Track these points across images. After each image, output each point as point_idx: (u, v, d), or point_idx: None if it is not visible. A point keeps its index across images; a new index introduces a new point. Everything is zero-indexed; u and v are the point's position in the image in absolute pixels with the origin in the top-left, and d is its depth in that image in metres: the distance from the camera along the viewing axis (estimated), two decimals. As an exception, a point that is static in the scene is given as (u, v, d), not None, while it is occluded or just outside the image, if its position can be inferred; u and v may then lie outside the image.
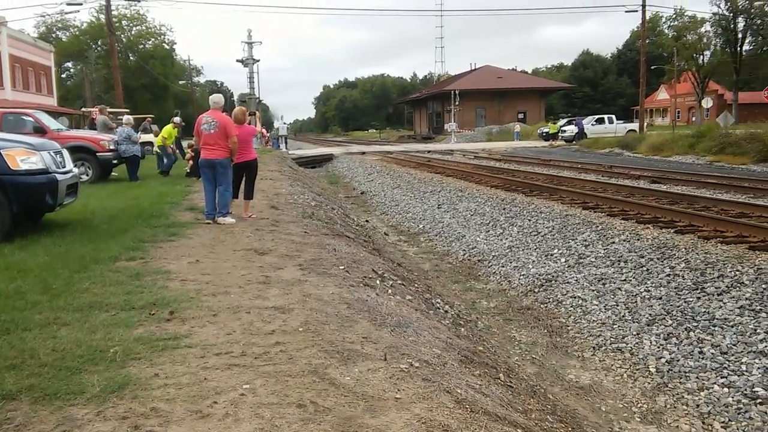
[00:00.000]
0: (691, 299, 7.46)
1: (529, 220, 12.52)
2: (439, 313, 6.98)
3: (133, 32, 72.72)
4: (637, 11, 42.12)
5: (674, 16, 60.36)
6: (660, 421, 5.83)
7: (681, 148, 29.20)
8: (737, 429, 5.50)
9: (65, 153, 8.39)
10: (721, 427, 5.57)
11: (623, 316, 7.76)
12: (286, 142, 43.22)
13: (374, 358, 3.97)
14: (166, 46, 76.22)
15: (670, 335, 7.01)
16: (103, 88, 59.20)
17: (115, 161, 15.58)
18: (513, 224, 12.74)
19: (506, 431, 3.49)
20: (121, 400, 3.16)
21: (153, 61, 67.20)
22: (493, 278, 10.58)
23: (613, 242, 9.86)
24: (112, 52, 33.27)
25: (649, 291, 8.06)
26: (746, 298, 6.97)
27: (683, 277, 8.01)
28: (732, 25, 55.78)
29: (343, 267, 6.76)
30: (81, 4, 31.83)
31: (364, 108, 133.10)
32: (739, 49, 56.29)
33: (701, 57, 60.48)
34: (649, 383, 6.42)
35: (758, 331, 6.41)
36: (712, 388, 6.02)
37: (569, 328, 8.03)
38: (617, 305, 8.07)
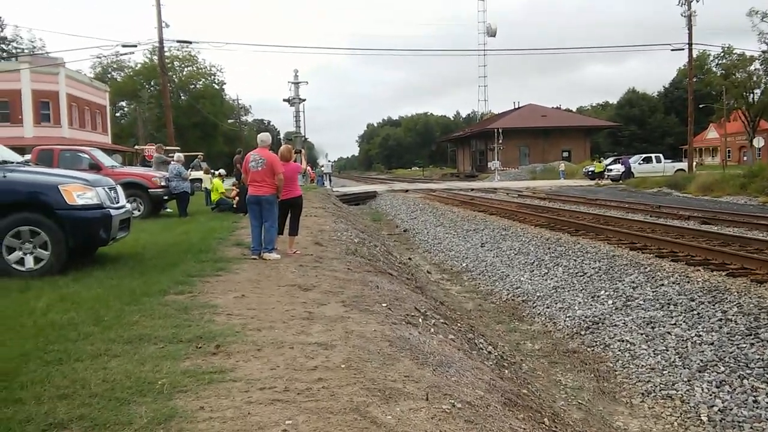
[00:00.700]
0: (744, 345, 7.20)
1: (575, 261, 12.33)
2: (482, 354, 6.89)
3: (184, 73, 75.30)
4: (683, 50, 41.74)
5: (722, 54, 59.53)
6: (713, 473, 5.59)
7: (732, 189, 28.48)
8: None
9: (119, 189, 8.69)
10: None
11: (673, 362, 7.52)
12: (330, 180, 43.78)
13: (416, 398, 3.95)
14: (216, 86, 78.59)
15: (723, 382, 6.76)
16: (155, 126, 61.24)
17: (165, 197, 16.05)
18: (558, 264, 12.56)
19: (551, 477, 3.40)
20: (167, 432, 3.21)
21: (203, 101, 69.26)
22: (537, 319, 10.41)
23: (663, 284, 9.63)
24: (164, 92, 34.52)
25: (700, 336, 7.81)
26: (804, 345, 6.70)
27: (736, 322, 7.74)
28: (782, 63, 54.69)
29: (385, 304, 6.77)
30: (135, 46, 33.29)
31: (407, 146, 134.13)
32: (790, 86, 55.05)
33: (751, 95, 59.32)
34: (701, 432, 6.19)
35: (817, 380, 6.13)
36: (769, 438, 5.76)
37: (617, 372, 7.82)
38: (667, 350, 7.83)
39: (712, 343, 7.53)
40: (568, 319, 9.91)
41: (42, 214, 7.35)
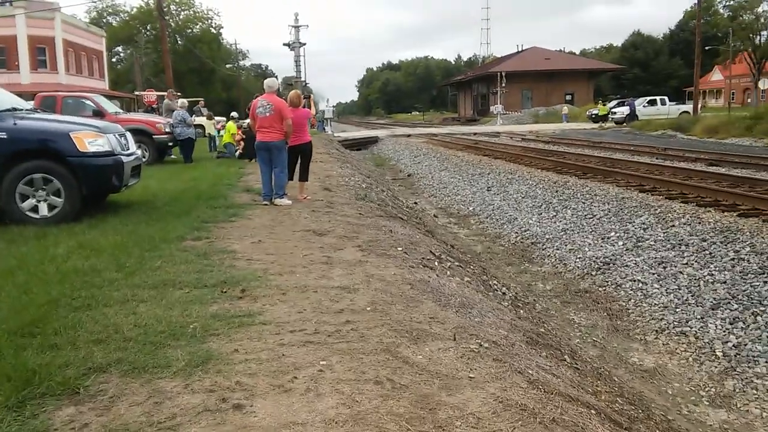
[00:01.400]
0: (757, 283, 7.27)
1: (584, 203, 12.33)
2: (497, 295, 6.97)
3: (181, 17, 73.73)
4: (692, -11, 40.71)
5: (730, -5, 58.22)
6: (729, 405, 5.72)
7: (737, 131, 28.29)
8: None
9: (129, 135, 8.61)
10: (793, 413, 5.43)
11: (686, 300, 7.60)
12: (330, 125, 43.43)
13: (443, 338, 4.00)
14: (213, 31, 77.07)
15: (737, 319, 6.85)
16: (153, 71, 60.36)
17: (170, 143, 15.93)
18: (566, 207, 12.56)
19: (581, 412, 3.47)
20: (206, 374, 3.26)
21: (200, 45, 68.04)
22: (547, 261, 10.47)
23: (673, 225, 9.65)
24: (162, 36, 33.77)
25: (712, 275, 7.87)
26: (818, 283, 6.76)
27: (748, 261, 7.79)
28: (790, 4, 53.55)
29: (401, 248, 6.80)
30: (132, -11, 32.33)
31: (407, 90, 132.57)
32: (798, 28, 54.05)
33: (758, 37, 58.24)
34: (716, 367, 6.30)
35: (832, 315, 6.21)
36: (783, 373, 5.86)
37: (630, 311, 7.91)
38: (679, 289, 7.90)
39: (725, 282, 7.60)
40: (578, 260, 9.97)
41: (54, 162, 7.30)
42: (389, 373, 3.35)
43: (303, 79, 45.46)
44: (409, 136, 38.48)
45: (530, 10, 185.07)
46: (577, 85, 69.20)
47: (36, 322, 3.93)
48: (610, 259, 9.49)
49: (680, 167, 15.82)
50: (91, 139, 7.44)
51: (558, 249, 10.75)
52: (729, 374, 6.15)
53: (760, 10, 56.79)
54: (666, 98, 46.73)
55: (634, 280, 8.58)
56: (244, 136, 16.21)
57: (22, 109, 7.92)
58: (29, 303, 4.28)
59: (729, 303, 7.17)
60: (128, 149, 8.32)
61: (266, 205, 8.95)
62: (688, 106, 44.42)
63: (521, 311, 6.78)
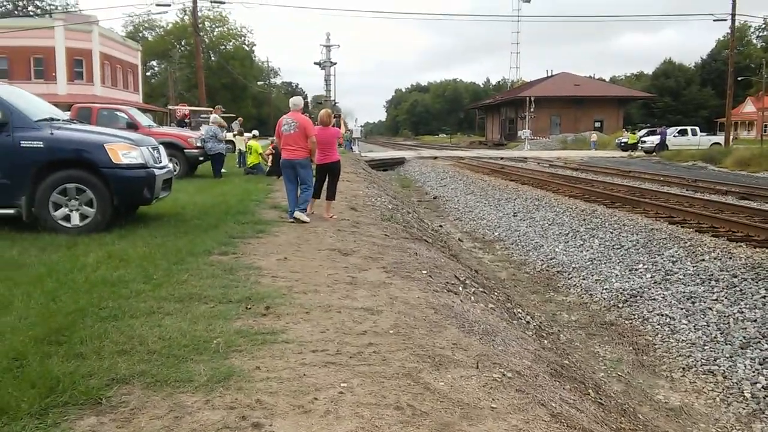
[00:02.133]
0: (790, 323, 7.08)
1: (612, 233, 12.18)
2: (521, 324, 6.88)
3: (215, 33, 75.25)
4: (725, 20, 40.44)
5: (763, 26, 57.70)
6: (757, 450, 5.55)
7: (770, 164, 27.83)
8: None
9: (161, 149, 8.74)
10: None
11: (715, 338, 7.43)
12: (357, 144, 43.67)
13: (466, 366, 3.95)
14: (246, 48, 78.51)
15: (767, 360, 6.67)
16: (186, 86, 61.50)
17: (201, 158, 16.14)
18: (594, 236, 12.42)
19: (605, 449, 3.40)
20: (227, 390, 3.26)
21: (233, 62, 69.33)
22: (573, 290, 10.33)
23: (703, 260, 9.48)
24: (196, 52, 34.48)
25: (742, 312, 7.70)
26: None
27: (781, 299, 7.61)
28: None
29: (425, 271, 6.77)
30: (169, 6, 33.18)
31: (435, 112, 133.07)
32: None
33: (792, 69, 57.54)
34: (744, 409, 6.12)
35: None
36: (814, 418, 5.68)
37: (656, 346, 7.75)
38: (708, 326, 7.73)
39: (755, 320, 7.42)
40: (605, 291, 9.82)
41: (88, 172, 7.44)
42: (410, 398, 3.31)
43: (332, 98, 45.88)
44: (435, 158, 38.52)
45: (560, 35, 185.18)
46: (607, 113, 68.81)
47: (63, 330, 3.98)
48: (638, 292, 9.33)
49: (711, 200, 15.56)
50: (125, 151, 7.58)
51: (584, 279, 10.61)
52: (757, 416, 5.97)
53: (794, 41, 56.25)
54: (697, 128, 46.18)
55: (662, 315, 8.42)
56: (273, 152, 16.35)
57: (59, 120, 8.09)
58: (57, 311, 4.34)
59: (759, 342, 7.00)
60: (160, 162, 8.45)
61: (292, 222, 9.00)
62: (720, 138, 43.87)
63: (545, 341, 6.68)
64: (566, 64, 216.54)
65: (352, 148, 40.53)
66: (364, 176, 20.62)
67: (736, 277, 8.60)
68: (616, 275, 10.22)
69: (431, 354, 4.04)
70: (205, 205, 10.13)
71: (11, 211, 7.39)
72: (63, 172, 7.40)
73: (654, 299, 8.93)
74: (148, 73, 74.16)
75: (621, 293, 9.49)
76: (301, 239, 7.75)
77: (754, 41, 61.96)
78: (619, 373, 7.02)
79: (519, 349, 4.94)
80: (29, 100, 8.20)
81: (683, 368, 7.10)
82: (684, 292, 8.75)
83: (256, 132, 20.90)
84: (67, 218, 7.46)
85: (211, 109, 29.34)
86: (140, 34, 73.51)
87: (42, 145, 7.29)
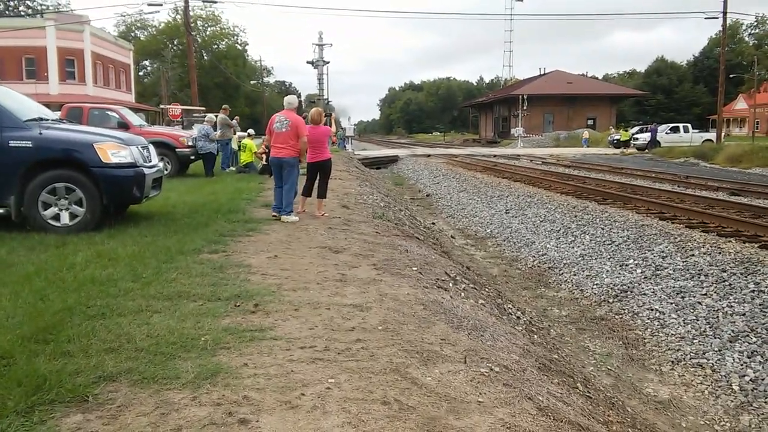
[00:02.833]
0: (778, 317, 7.13)
1: (603, 229, 12.23)
2: (512, 319, 6.91)
3: (207, 33, 75.05)
4: (717, 18, 40.62)
5: (755, 23, 58.03)
6: (745, 442, 5.60)
7: (761, 160, 27.96)
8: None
9: (151, 148, 8.73)
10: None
11: (704, 331, 7.48)
12: (351, 143, 43.68)
13: (454, 360, 3.97)
14: (239, 47, 78.35)
15: (755, 353, 6.72)
16: (178, 86, 61.33)
17: (192, 157, 16.11)
18: (585, 232, 12.47)
19: (591, 442, 3.42)
20: (214, 387, 3.27)
21: (226, 61, 69.15)
22: (564, 286, 10.38)
23: (693, 255, 9.53)
24: (189, 51, 34.36)
25: (731, 306, 7.75)
26: (840, 319, 6.62)
27: (769, 293, 7.66)
28: (818, 33, 53.20)
29: (416, 268, 6.78)
30: (161, 5, 33.07)
31: (429, 111, 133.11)
32: (825, 57, 53.61)
33: (785, 65, 57.91)
34: (732, 401, 6.17)
35: None
36: (802, 411, 5.73)
37: (646, 340, 7.80)
38: (697, 320, 7.78)
39: (744, 314, 7.47)
40: (595, 286, 9.87)
41: (77, 171, 7.42)
42: (397, 393, 3.33)
43: (325, 96, 45.85)
44: (429, 156, 38.55)
45: (553, 34, 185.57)
46: (600, 110, 68.99)
47: (50, 328, 3.98)
48: (628, 287, 9.38)
49: (702, 196, 15.64)
50: (115, 151, 7.56)
51: (575, 275, 10.66)
52: (745, 409, 6.02)
53: (786, 38, 56.58)
54: (689, 125, 46.39)
55: (652, 309, 8.47)
56: (267, 150, 16.30)
57: (48, 119, 8.07)
58: (45, 310, 4.34)
59: (747, 336, 7.05)
60: (150, 161, 8.44)
61: (275, 217, 9.00)
62: (711, 134, 44.11)
63: (535, 336, 6.71)
64: (559, 62, 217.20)
65: (345, 147, 40.54)
66: (357, 174, 20.62)
67: (725, 271, 8.65)
68: (607, 271, 10.28)
69: (419, 349, 4.06)
70: (195, 203, 10.12)
71: (0, 211, 7.38)
72: (52, 171, 7.38)
73: (644, 294, 8.98)
74: (140, 73, 73.92)
75: (611, 288, 9.54)
76: (292, 237, 7.76)
77: (746, 39, 62.25)
78: (608, 367, 7.06)
79: (508, 344, 4.96)
80: (18, 99, 8.17)
81: (672, 362, 7.15)
82: (674, 287, 8.80)
83: (251, 131, 20.84)
84: (56, 217, 7.45)
85: (203, 108, 29.29)
86: (132, 34, 73.24)
87: (31, 145, 7.27)
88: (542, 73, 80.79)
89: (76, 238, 6.89)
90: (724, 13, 40.19)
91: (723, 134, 46.52)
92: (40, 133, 7.38)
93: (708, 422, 5.96)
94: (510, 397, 3.54)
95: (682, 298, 8.44)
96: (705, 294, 8.31)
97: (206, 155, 15.96)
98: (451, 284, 6.76)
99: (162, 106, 37.86)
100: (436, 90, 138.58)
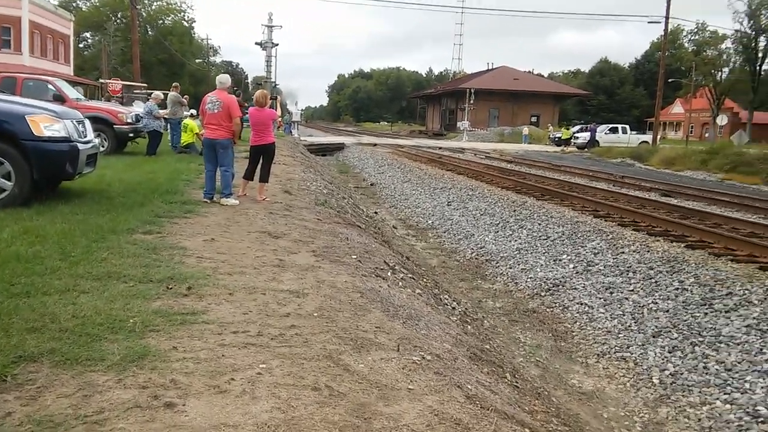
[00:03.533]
0: (698, 314, 7.49)
1: (539, 224, 12.54)
2: (447, 309, 7.02)
3: (153, 7, 72.70)
4: (660, 22, 41.97)
5: (695, 30, 60.30)
6: (661, 432, 5.86)
7: (693, 164, 29.13)
8: (737, 446, 5.53)
9: (87, 123, 8.43)
10: (722, 443, 5.60)
11: (629, 326, 7.79)
12: (297, 128, 43.23)
13: (387, 348, 4.01)
14: (185, 24, 76.14)
15: (676, 348, 7.04)
16: (120, 60, 59.28)
17: (131, 134, 15.63)
18: (522, 227, 12.75)
19: (514, 430, 3.52)
20: (140, 370, 3.21)
21: (171, 38, 67.11)
22: (500, 279, 10.61)
23: (623, 252, 9.88)
24: (132, 25, 33.20)
25: (656, 303, 8.09)
26: (754, 318, 7.00)
27: (692, 291, 8.02)
28: (753, 44, 55.68)
29: (355, 256, 6.81)
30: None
31: (377, 100, 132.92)
32: (758, 68, 56.18)
33: (719, 73, 60.37)
34: (651, 394, 6.46)
35: (764, 350, 6.43)
36: (715, 403, 6.05)
37: (574, 333, 8.07)
38: (624, 315, 8.09)
39: (668, 311, 7.81)
40: (529, 280, 10.13)
41: (7, 144, 7.10)
42: (328, 380, 3.35)
43: (273, 79, 45.18)
44: (375, 145, 38.59)
45: (502, 29, 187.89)
46: (543, 108, 70.41)
47: (-30, 306, 3.82)
48: (560, 281, 9.66)
49: (635, 196, 16.22)
50: (48, 124, 7.27)
51: (511, 268, 10.90)
52: (664, 402, 6.31)
53: (723, 46, 59.01)
54: (627, 127, 47.97)
55: (581, 303, 8.76)
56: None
57: (-23, 88, 7.69)
58: (-35, 287, 4.16)
59: (670, 332, 7.38)
60: (85, 136, 8.15)
61: (206, 202, 8.79)
62: (648, 136, 45.68)
63: (469, 327, 6.85)
64: (507, 58, 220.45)
65: (291, 132, 40.09)
66: (302, 160, 20.47)
67: (652, 269, 9.01)
68: (541, 265, 10.56)
69: (353, 337, 4.08)
70: (132, 182, 9.84)
71: None
72: (-21, 143, 7.04)
73: (575, 288, 9.28)
74: (80, 45, 71.04)
75: (545, 282, 9.81)
76: (231, 221, 7.65)
77: (686, 45, 64.53)
78: (537, 359, 7.27)
79: (441, 334, 5.05)
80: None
81: (598, 355, 7.42)
82: (603, 283, 9.12)
83: (193, 111, 20.37)
84: (-18, 191, 7.12)
85: (145, 84, 28.47)
86: (74, 4, 70.27)
87: (-43, 115, 6.92)
88: (490, 68, 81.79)
89: (2, 214, 6.59)
90: (666, 18, 41.50)
91: (659, 137, 48.24)
92: (-32, 103, 7.03)
93: (628, 413, 6.22)
94: (440, 385, 3.61)
95: (611, 293, 8.76)
96: (632, 290, 8.64)
97: (151, 133, 15.51)
98: (389, 273, 6.81)
99: (102, 81, 36.56)
100: (385, 79, 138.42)
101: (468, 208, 15.67)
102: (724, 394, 6.12)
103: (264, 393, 3.09)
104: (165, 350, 3.48)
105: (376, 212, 16.43)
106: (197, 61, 79.62)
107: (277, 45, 44.40)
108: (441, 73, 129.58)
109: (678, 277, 8.53)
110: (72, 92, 16.09)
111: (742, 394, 6.05)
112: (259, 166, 9.66)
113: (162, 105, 17.63)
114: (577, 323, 8.32)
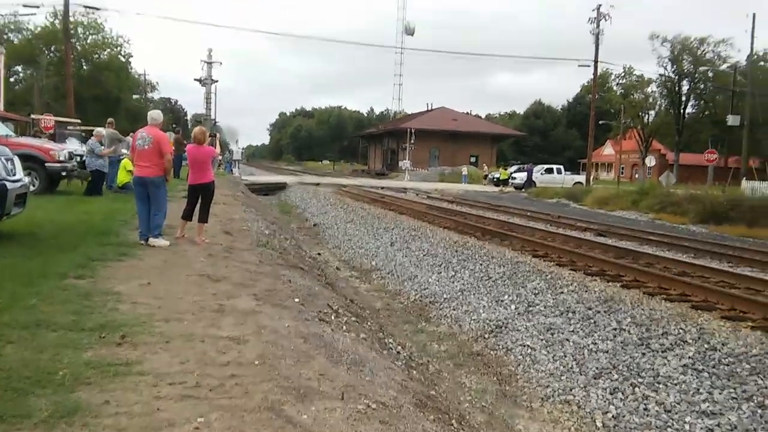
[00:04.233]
0: (636, 355, 7.63)
1: (481, 265, 12.66)
2: (392, 354, 6.95)
3: (88, 41, 71.18)
4: (589, 66, 43.92)
5: (623, 74, 63.28)
6: (605, 476, 5.88)
7: (624, 204, 30.20)
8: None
9: (16, 160, 8.09)
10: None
11: (571, 368, 7.86)
12: (238, 167, 42.81)
13: (331, 397, 3.92)
14: (122, 58, 74.74)
15: (617, 390, 7.13)
16: (53, 96, 57.57)
17: (63, 173, 15.08)
18: (465, 267, 12.85)
19: (463, 480, 3.46)
20: (70, 427, 3.03)
21: (107, 73, 65.75)
22: (444, 321, 10.61)
23: (562, 292, 10.05)
24: (66, 59, 32.48)
25: (596, 344, 8.21)
26: (689, 357, 7.17)
27: (629, 332, 8.19)
28: (677, 88, 58.81)
29: (298, 300, 6.69)
30: (38, 7, 31.11)
31: (319, 138, 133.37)
32: (682, 111, 59.27)
33: (646, 116, 63.33)
34: (594, 437, 6.50)
35: (701, 390, 6.58)
36: (656, 445, 6.12)
37: (518, 376, 8.09)
38: (565, 356, 8.18)
39: (607, 351, 7.94)
40: (473, 321, 10.16)
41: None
42: (270, 433, 3.22)
43: (213, 117, 44.79)
44: (318, 184, 38.52)
45: (441, 70, 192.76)
46: (481, 149, 72.10)
47: None
48: (503, 323, 9.73)
49: (571, 236, 16.61)
50: (-27, 162, 6.94)
51: (455, 309, 10.93)
52: (607, 445, 6.35)
53: (649, 90, 62.02)
54: (562, 167, 49.54)
55: (524, 345, 8.81)
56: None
57: None
58: None
59: (610, 373, 7.48)
60: (15, 175, 7.81)
61: (142, 244, 8.51)
62: (582, 177, 47.30)
63: (414, 372, 6.78)
64: (446, 98, 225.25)
65: (232, 171, 39.65)
66: (243, 200, 20.19)
67: (590, 309, 9.17)
68: (484, 306, 10.62)
69: (296, 385, 3.97)
70: (64, 223, 9.45)
71: None
72: None
73: (517, 330, 9.35)
74: (11, 79, 68.76)
75: (488, 324, 9.85)
76: (168, 263, 7.41)
77: (615, 88, 67.50)
78: (483, 404, 7.24)
79: (386, 380, 4.97)
80: None
81: (542, 398, 7.45)
82: (544, 323, 9.23)
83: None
84: None
85: (79, 121, 27.70)
86: (5, 36, 68.17)
87: None
88: (429, 108, 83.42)
89: None
90: (596, 62, 43.53)
91: (592, 177, 49.99)
92: None
93: (573, 457, 6.24)
94: (386, 435, 3.53)
95: (552, 334, 8.86)
96: (572, 331, 8.77)
97: (93, 173, 15.00)
98: (333, 317, 6.71)
99: (33, 117, 35.37)
100: (327, 118, 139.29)
101: (411, 248, 15.72)
102: (665, 435, 6.21)
103: (202, 450, 2.95)
104: (96, 405, 3.29)
105: (319, 253, 16.29)
106: (135, 97, 78.21)
107: (216, 81, 44.29)
108: (382, 112, 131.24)
109: (615, 317, 8.71)
110: (1, 128, 15.48)
111: (681, 434, 6.15)
112: (198, 206, 9.43)
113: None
114: (521, 366, 8.36)
